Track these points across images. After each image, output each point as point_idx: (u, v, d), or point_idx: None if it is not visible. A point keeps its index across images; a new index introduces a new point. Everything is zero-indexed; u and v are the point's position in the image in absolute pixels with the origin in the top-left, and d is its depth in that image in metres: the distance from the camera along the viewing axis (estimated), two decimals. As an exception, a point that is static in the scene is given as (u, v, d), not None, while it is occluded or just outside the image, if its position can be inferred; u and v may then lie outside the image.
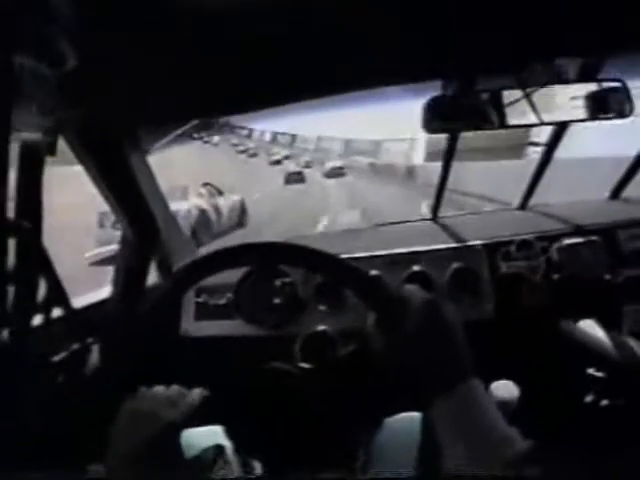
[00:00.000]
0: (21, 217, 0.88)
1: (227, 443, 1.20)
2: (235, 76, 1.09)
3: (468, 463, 0.63)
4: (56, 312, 1.08)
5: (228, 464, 1.11)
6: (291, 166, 36.39)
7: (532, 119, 1.40)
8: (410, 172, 21.02)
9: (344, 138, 45.43)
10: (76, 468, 0.80)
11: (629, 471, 0.50)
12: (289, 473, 0.70)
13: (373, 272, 1.71)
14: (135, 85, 1.07)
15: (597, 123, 1.47)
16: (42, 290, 1.01)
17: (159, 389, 0.93)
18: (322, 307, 1.74)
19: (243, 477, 1.07)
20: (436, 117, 1.42)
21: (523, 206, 2.31)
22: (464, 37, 1.05)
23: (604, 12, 0.99)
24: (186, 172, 19.96)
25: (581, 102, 1.40)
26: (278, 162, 41.43)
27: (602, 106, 1.41)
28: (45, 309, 1.03)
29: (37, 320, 1.01)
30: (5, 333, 0.88)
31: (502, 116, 1.40)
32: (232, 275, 1.77)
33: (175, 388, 0.94)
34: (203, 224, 11.13)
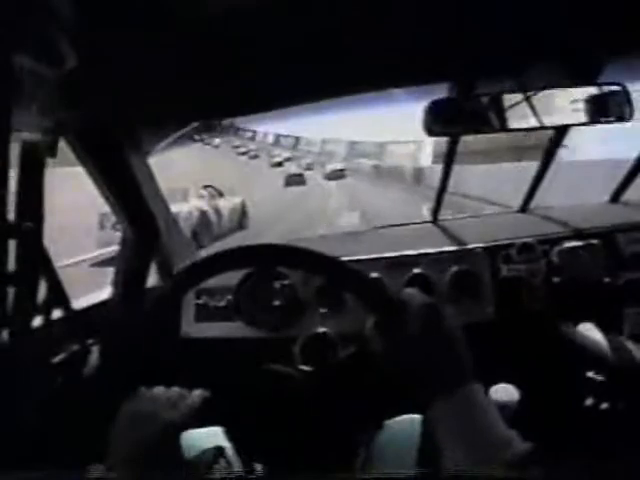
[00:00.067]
0: (22, 218, 0.89)
1: (227, 444, 1.20)
2: (237, 78, 1.09)
3: (468, 465, 0.64)
4: (56, 313, 1.09)
5: (228, 465, 1.11)
6: (292, 168, 36.35)
7: (532, 122, 1.40)
8: (418, 174, 20.61)
9: (348, 140, 45.20)
10: (76, 468, 0.80)
11: (629, 474, 0.50)
12: (289, 475, 0.70)
13: (373, 275, 1.71)
14: (135, 86, 1.07)
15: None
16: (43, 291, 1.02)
17: (159, 390, 0.93)
18: (322, 309, 1.73)
19: (243, 478, 1.07)
20: (437, 120, 1.43)
21: (524, 209, 2.31)
22: (466, 39, 1.06)
23: (604, 14, 0.99)
24: (186, 174, 19.94)
25: (581, 105, 1.40)
26: (279, 164, 41.37)
27: (602, 110, 1.41)
28: (45, 310, 1.03)
29: (37, 321, 1.01)
30: (6, 333, 0.88)
31: (503, 120, 1.40)
32: (232, 277, 1.76)
33: (175, 389, 0.94)
34: (204, 226, 11.13)
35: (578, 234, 1.80)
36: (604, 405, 1.56)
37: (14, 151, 0.84)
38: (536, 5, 0.93)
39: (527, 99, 1.38)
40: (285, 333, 1.71)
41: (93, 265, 8.31)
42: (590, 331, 1.60)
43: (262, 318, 1.75)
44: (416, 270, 1.75)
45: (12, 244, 0.87)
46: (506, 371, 1.61)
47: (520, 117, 1.40)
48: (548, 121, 1.41)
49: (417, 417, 1.26)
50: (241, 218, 14.06)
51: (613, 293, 1.70)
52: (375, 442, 1.28)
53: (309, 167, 37.53)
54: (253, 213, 14.64)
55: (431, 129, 1.43)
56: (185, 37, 0.88)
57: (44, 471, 0.57)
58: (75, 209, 9.63)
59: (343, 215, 13.65)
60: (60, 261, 1.04)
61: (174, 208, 2.14)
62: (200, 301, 1.79)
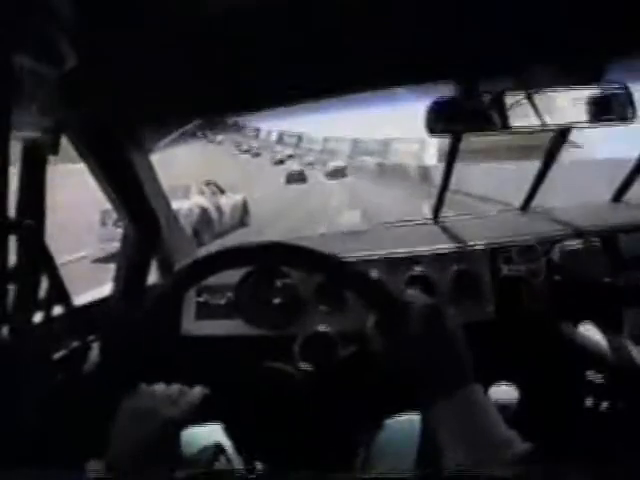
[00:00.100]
0: (24, 215, 0.89)
1: (227, 442, 1.21)
2: (238, 77, 1.09)
3: (468, 466, 0.64)
4: (57, 309, 1.09)
5: (228, 463, 1.11)
6: (293, 166, 36.30)
7: (534, 122, 1.40)
8: (424, 173, 19.82)
9: (352, 138, 44.98)
10: (76, 465, 0.80)
11: (628, 474, 0.50)
12: (288, 473, 0.70)
13: (374, 273, 1.71)
14: (135, 85, 1.07)
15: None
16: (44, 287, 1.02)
17: (159, 387, 0.93)
18: (322, 308, 1.73)
19: (243, 476, 1.07)
20: (439, 119, 1.42)
21: (525, 208, 2.31)
22: (468, 38, 1.05)
23: (606, 14, 0.99)
24: (187, 171, 19.93)
25: (583, 106, 1.40)
26: (281, 162, 41.33)
27: (604, 110, 1.41)
28: (46, 306, 1.03)
29: (38, 317, 1.02)
30: (6, 330, 0.89)
31: (504, 119, 1.40)
32: (233, 275, 1.77)
33: (175, 386, 0.94)
34: (204, 223, 11.12)
35: (579, 234, 1.80)
36: (604, 405, 1.56)
37: (16, 148, 0.84)
38: (538, 4, 0.93)
39: (529, 99, 1.38)
40: (285, 331, 1.71)
41: (94, 261, 8.34)
42: (590, 331, 1.60)
43: (262, 316, 1.75)
44: (416, 269, 1.75)
45: (13, 241, 0.88)
46: (506, 371, 1.61)
47: (522, 117, 1.40)
48: (550, 121, 1.41)
49: (417, 417, 1.27)
50: (242, 215, 14.07)
51: (614, 293, 1.70)
52: (375, 441, 1.29)
53: (310, 164, 37.47)
54: (254, 210, 14.64)
55: (433, 128, 1.43)
56: (185, 37, 0.89)
57: (44, 468, 0.58)
58: (77, 206, 9.65)
59: (344, 214, 13.63)
60: (61, 258, 1.04)
61: (175, 205, 2.14)
62: (201, 299, 1.79)
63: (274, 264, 1.70)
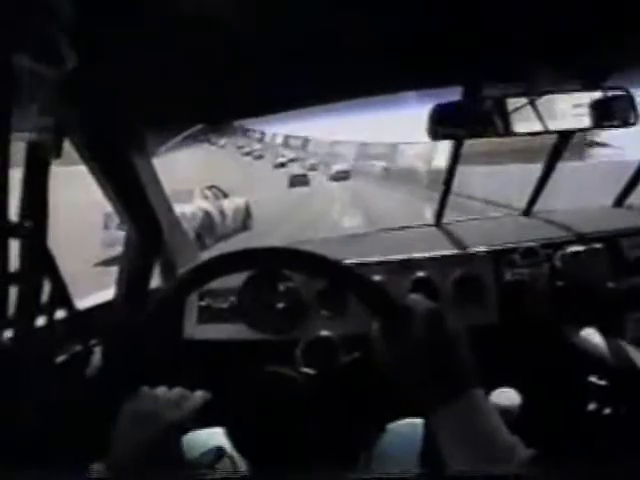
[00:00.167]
0: (26, 218, 0.89)
1: (228, 445, 1.20)
2: (238, 79, 1.09)
3: (470, 470, 0.64)
4: (59, 313, 1.09)
5: (229, 466, 1.11)
6: (295, 169, 36.33)
7: (536, 126, 1.40)
8: (436, 177, 17.40)
9: (358, 142, 44.75)
10: (77, 468, 0.80)
11: (629, 475, 0.50)
12: (290, 478, 0.70)
13: (376, 278, 1.70)
14: (135, 86, 1.08)
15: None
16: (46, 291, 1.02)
17: (161, 390, 0.93)
18: (325, 312, 1.73)
19: (244, 478, 1.07)
20: (441, 124, 1.42)
21: (527, 212, 2.30)
22: (470, 43, 1.06)
23: (609, 19, 0.99)
24: (190, 174, 19.95)
25: (584, 110, 1.40)
26: (282, 165, 41.37)
27: (606, 114, 1.41)
28: (49, 310, 1.03)
29: (40, 321, 1.02)
30: (9, 333, 0.89)
31: (506, 123, 1.40)
32: (235, 279, 1.76)
33: (177, 390, 0.95)
34: (207, 227, 11.17)
35: (581, 238, 1.80)
36: (606, 410, 1.55)
37: (20, 152, 0.85)
38: (541, 9, 0.93)
39: (531, 103, 1.38)
40: (288, 336, 1.70)
41: (97, 265, 8.35)
42: (593, 336, 1.60)
43: (265, 320, 1.75)
44: (419, 273, 1.74)
45: (16, 244, 0.88)
46: (508, 375, 1.60)
47: (524, 121, 1.40)
48: (552, 125, 1.41)
49: (419, 421, 1.26)
50: (245, 219, 14.11)
51: (616, 298, 1.69)
52: (377, 446, 1.28)
53: (313, 167, 37.48)
54: (257, 214, 14.66)
55: (435, 132, 1.43)
56: (185, 37, 0.89)
57: (46, 471, 0.58)
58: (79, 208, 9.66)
59: (344, 218, 13.56)
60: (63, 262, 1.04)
61: (179, 209, 2.15)
62: (203, 303, 1.79)
63: (277, 268, 1.70)
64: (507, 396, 1.57)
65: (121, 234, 1.80)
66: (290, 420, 1.26)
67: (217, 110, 1.33)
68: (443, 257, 1.80)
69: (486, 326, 1.67)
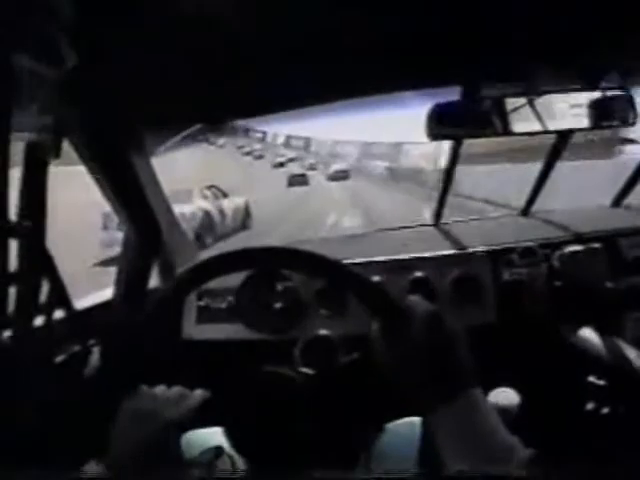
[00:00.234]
0: (25, 218, 0.89)
1: (227, 445, 1.20)
2: (238, 79, 1.09)
3: (469, 470, 0.64)
4: (58, 313, 1.09)
5: (228, 466, 1.12)
6: (295, 168, 36.32)
7: (535, 126, 1.40)
8: (441, 177, 17.32)
9: (362, 141, 44.43)
10: (76, 467, 0.81)
11: (629, 475, 0.50)
12: (288, 477, 0.70)
13: (375, 278, 1.70)
14: (135, 86, 1.08)
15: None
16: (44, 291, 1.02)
17: (160, 389, 0.93)
18: (323, 311, 1.73)
19: (242, 478, 1.07)
20: (440, 124, 1.42)
21: (525, 212, 2.31)
22: (469, 42, 1.06)
23: (608, 19, 1.00)
24: (188, 174, 19.92)
25: (582, 110, 1.40)
26: (281, 164, 41.37)
27: (605, 114, 1.41)
28: (47, 310, 1.03)
29: (39, 321, 1.02)
30: (7, 333, 0.89)
31: (505, 123, 1.40)
32: (234, 279, 1.76)
33: (176, 388, 0.95)
34: (207, 226, 11.19)
35: (580, 238, 1.80)
36: (605, 410, 1.55)
37: (20, 152, 0.85)
38: (540, 9, 0.93)
39: (530, 103, 1.38)
40: (286, 335, 1.70)
41: (96, 265, 8.34)
42: (591, 335, 1.60)
43: (263, 320, 1.75)
44: (417, 273, 1.74)
45: (14, 244, 0.88)
46: (507, 375, 1.60)
47: (523, 121, 1.40)
48: (551, 125, 1.41)
49: (417, 420, 1.26)
50: (245, 218, 14.13)
51: (615, 297, 1.69)
52: (376, 445, 1.29)
53: (312, 167, 37.45)
54: (256, 213, 14.68)
55: (434, 132, 1.43)
56: (185, 37, 0.89)
57: (45, 470, 0.58)
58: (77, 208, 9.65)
59: (344, 223, 13.47)
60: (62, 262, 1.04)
61: (178, 209, 2.15)
62: (202, 303, 1.79)
63: (275, 268, 1.70)
64: (506, 396, 1.57)
65: (119, 234, 1.80)
66: (289, 420, 1.26)
67: (217, 110, 1.33)
68: (441, 257, 1.80)
69: (484, 326, 1.67)
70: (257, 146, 55.33)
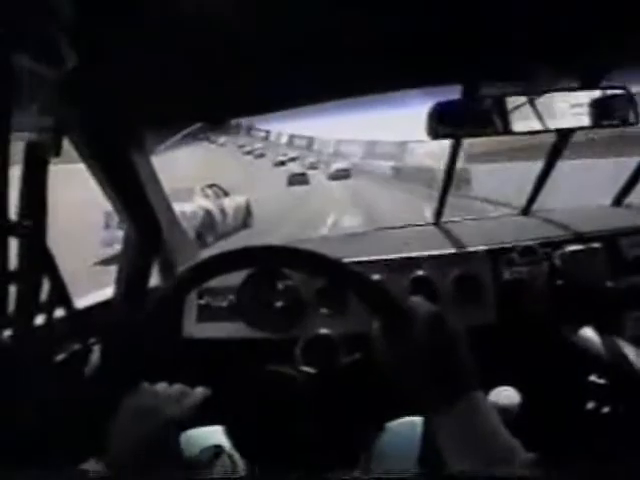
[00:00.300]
0: (25, 217, 0.89)
1: (227, 443, 1.21)
2: (238, 78, 1.09)
3: (469, 471, 0.64)
4: (59, 312, 1.09)
5: (228, 464, 1.12)
6: (296, 167, 36.29)
7: (536, 125, 1.40)
8: (462, 179, 14.77)
9: (365, 140, 44.11)
10: (76, 466, 0.81)
11: (629, 475, 0.50)
12: (289, 476, 0.70)
13: (375, 277, 1.70)
14: (135, 86, 1.08)
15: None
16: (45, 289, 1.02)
17: (162, 386, 0.94)
18: (324, 310, 1.73)
19: (242, 477, 1.07)
20: (441, 123, 1.42)
21: (526, 212, 2.30)
22: (470, 41, 1.06)
23: (609, 18, 0.99)
24: (189, 173, 19.91)
25: (583, 109, 1.40)
26: (282, 163, 41.36)
27: (606, 113, 1.40)
28: (48, 309, 1.03)
29: (40, 319, 1.02)
30: (8, 332, 0.89)
31: (506, 122, 1.40)
32: (234, 277, 1.76)
33: (177, 386, 0.95)
34: (208, 225, 11.21)
35: (580, 237, 1.80)
36: (606, 409, 1.56)
37: (19, 149, 0.85)
38: (540, 9, 0.93)
39: (531, 102, 1.38)
40: (287, 334, 1.70)
41: (97, 264, 8.35)
42: (591, 335, 1.60)
43: (264, 319, 1.75)
44: (418, 272, 1.74)
45: (15, 243, 0.88)
46: (507, 374, 1.60)
47: (523, 120, 1.40)
48: (551, 124, 1.40)
49: (418, 420, 1.27)
50: (246, 217, 14.16)
51: (615, 297, 1.69)
52: (376, 444, 1.29)
53: (313, 166, 37.41)
54: (257, 212, 14.69)
55: (434, 131, 1.43)
56: (185, 37, 0.89)
57: (45, 468, 0.58)
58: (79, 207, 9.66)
59: (345, 223, 13.44)
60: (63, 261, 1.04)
61: (179, 208, 2.15)
62: (202, 301, 1.79)
63: (276, 266, 1.69)
64: (506, 395, 1.57)
65: (120, 233, 1.80)
66: (289, 419, 1.26)
67: (217, 109, 1.33)
68: (442, 256, 1.80)
69: (485, 325, 1.67)
70: (258, 145, 55.27)
